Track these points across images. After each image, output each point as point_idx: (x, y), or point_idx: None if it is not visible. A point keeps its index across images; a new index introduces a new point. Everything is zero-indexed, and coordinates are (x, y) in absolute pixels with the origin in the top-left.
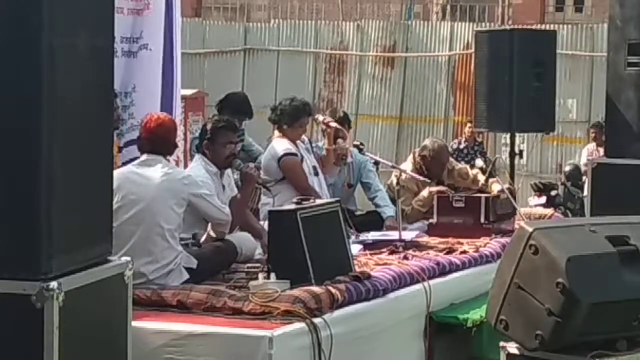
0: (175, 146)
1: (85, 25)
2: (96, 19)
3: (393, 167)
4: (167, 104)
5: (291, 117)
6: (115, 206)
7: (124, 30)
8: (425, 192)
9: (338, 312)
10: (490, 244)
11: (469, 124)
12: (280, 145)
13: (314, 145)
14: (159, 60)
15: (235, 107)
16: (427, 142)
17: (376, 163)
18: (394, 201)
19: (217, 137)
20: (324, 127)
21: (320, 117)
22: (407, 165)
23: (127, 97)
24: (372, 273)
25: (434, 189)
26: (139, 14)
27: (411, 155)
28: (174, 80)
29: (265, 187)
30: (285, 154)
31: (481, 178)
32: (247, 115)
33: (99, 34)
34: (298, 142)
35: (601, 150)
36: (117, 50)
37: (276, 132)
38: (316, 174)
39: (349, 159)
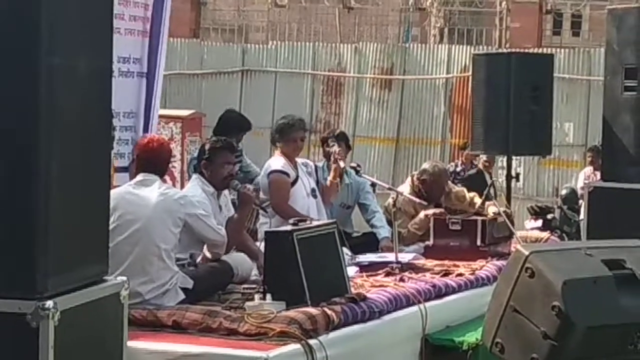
0: (168, 166)
1: (84, 46)
2: (95, 40)
3: (390, 189)
4: (145, 127)
5: (282, 133)
6: (111, 226)
7: (121, 51)
8: (421, 215)
9: (334, 334)
10: (487, 267)
11: (466, 151)
12: (275, 162)
13: (318, 166)
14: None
15: (234, 123)
16: (426, 165)
17: (373, 185)
18: (390, 223)
19: (215, 158)
20: (332, 159)
21: (336, 148)
22: (405, 189)
23: (128, 117)
24: (368, 295)
25: (430, 211)
26: (136, 35)
27: (409, 179)
28: (152, 104)
29: (262, 208)
30: (274, 171)
31: (478, 201)
32: (247, 128)
33: (97, 55)
34: (299, 165)
35: (598, 174)
36: (115, 70)
37: (276, 152)
38: (314, 196)
39: (347, 180)
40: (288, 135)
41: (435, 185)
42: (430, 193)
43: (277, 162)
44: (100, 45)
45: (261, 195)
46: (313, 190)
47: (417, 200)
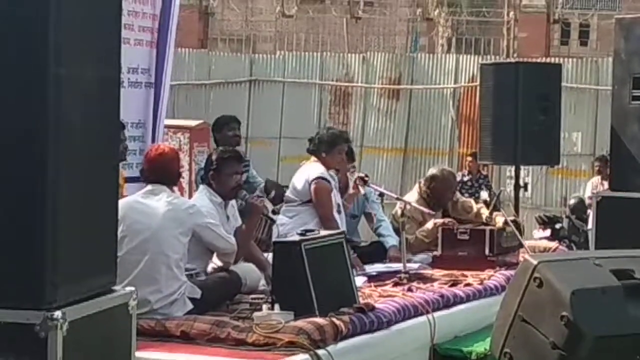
0: (179, 176)
1: (91, 55)
2: (103, 49)
3: (398, 199)
4: (152, 137)
5: (329, 144)
6: (120, 235)
7: (130, 61)
8: (430, 224)
9: (342, 344)
10: (495, 277)
11: (469, 158)
12: (317, 168)
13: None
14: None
15: (224, 121)
16: (434, 170)
17: (381, 195)
18: (397, 231)
19: (223, 168)
20: (353, 184)
21: (357, 174)
22: (413, 195)
23: (136, 128)
24: (376, 305)
25: (439, 221)
26: (145, 45)
27: (417, 185)
28: (159, 113)
29: (270, 218)
30: (320, 177)
31: (484, 212)
32: (236, 122)
33: (105, 65)
34: (330, 178)
35: (606, 183)
36: (124, 80)
37: (312, 158)
38: (339, 211)
39: (350, 191)
40: (336, 147)
41: (445, 190)
42: (439, 198)
43: (318, 168)
44: (108, 56)
45: (289, 192)
46: (339, 206)
47: (425, 210)
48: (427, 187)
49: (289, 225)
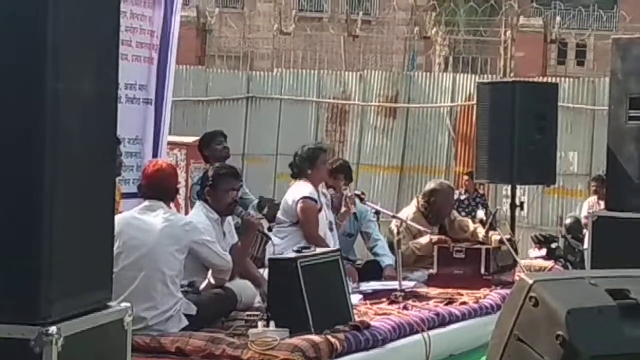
0: (177, 192)
1: (89, 71)
2: (100, 64)
3: (394, 217)
4: (154, 154)
5: (309, 160)
6: (116, 251)
7: (127, 77)
8: (425, 239)
9: None
10: (490, 296)
11: (465, 176)
12: (304, 188)
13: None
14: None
15: (211, 137)
16: (433, 185)
17: (377, 213)
18: (392, 246)
19: (219, 184)
20: (347, 200)
21: (348, 192)
22: (411, 209)
23: (133, 144)
24: (372, 323)
25: (435, 237)
26: (143, 61)
27: (414, 200)
28: (161, 131)
29: (266, 235)
30: (306, 197)
31: (481, 231)
32: (222, 135)
33: (103, 81)
34: (321, 195)
35: (602, 203)
36: (122, 96)
37: (300, 181)
38: (331, 229)
39: (343, 209)
40: (317, 159)
41: (444, 204)
42: (438, 212)
43: (305, 188)
44: (106, 71)
45: (279, 214)
46: (330, 223)
47: (421, 227)
48: (426, 201)
49: (281, 245)
